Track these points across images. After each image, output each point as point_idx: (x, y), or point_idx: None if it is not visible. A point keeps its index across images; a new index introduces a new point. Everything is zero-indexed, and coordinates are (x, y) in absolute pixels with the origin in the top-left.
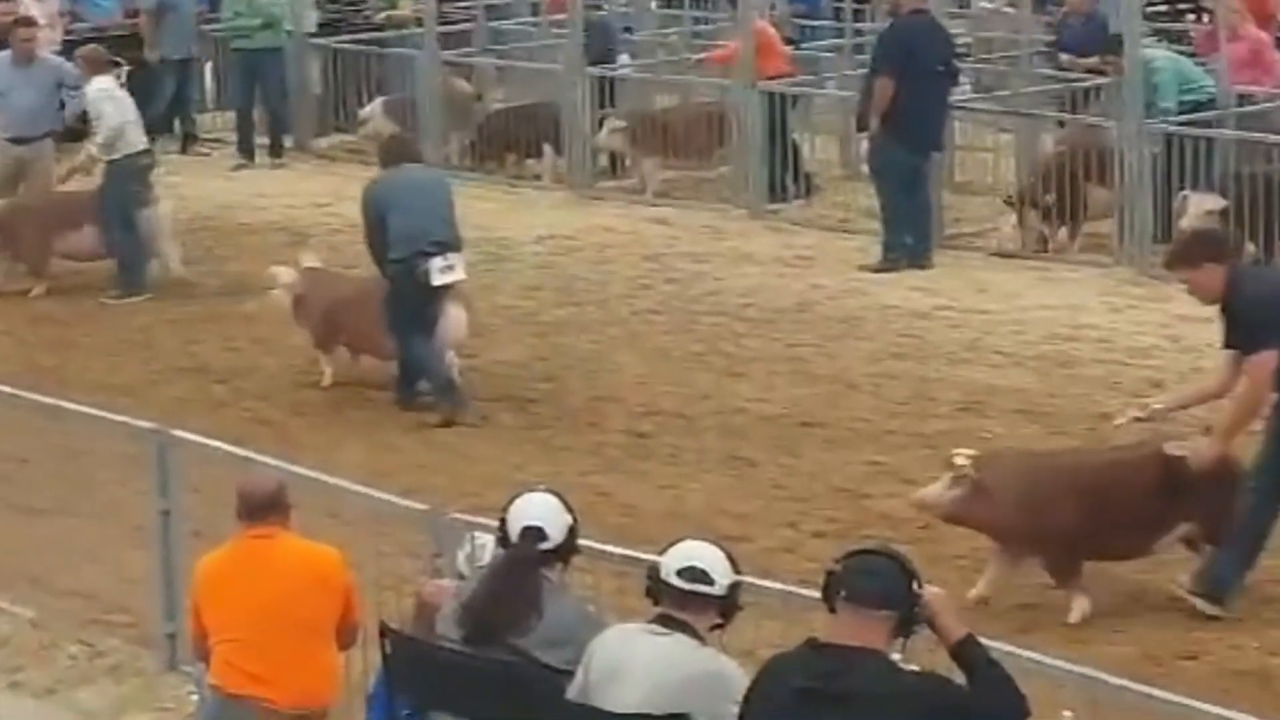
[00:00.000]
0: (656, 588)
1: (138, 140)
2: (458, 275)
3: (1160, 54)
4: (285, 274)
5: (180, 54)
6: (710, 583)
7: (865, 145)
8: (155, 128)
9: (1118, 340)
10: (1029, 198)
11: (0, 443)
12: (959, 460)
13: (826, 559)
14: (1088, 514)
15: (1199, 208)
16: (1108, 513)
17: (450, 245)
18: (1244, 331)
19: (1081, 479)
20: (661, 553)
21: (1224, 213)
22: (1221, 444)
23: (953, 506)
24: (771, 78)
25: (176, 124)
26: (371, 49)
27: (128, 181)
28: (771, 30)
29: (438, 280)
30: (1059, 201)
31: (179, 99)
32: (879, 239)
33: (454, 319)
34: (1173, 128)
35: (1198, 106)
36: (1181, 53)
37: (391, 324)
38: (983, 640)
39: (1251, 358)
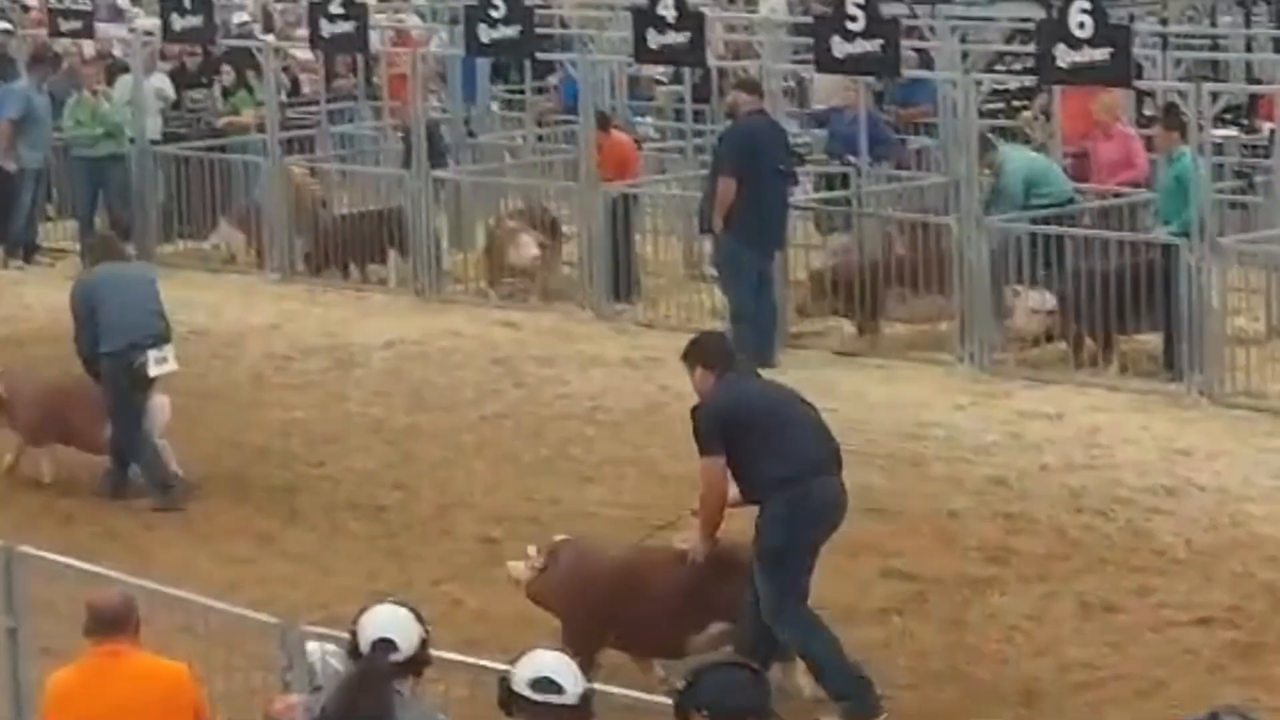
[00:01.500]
0: (508, 699)
1: None
2: (171, 366)
3: (1017, 154)
4: None
5: (38, 164)
6: (561, 692)
7: (708, 245)
8: (19, 240)
9: (962, 438)
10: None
11: None
12: (531, 548)
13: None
14: (617, 606)
15: (1025, 305)
16: (638, 607)
17: (163, 337)
18: (695, 436)
19: (618, 574)
20: (512, 662)
21: (1051, 312)
22: (702, 543)
23: (528, 586)
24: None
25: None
26: (215, 155)
27: None
28: (628, 141)
29: (154, 371)
30: (850, 302)
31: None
32: None
33: (158, 405)
34: (1014, 225)
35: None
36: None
37: (111, 415)
38: None
39: (701, 462)
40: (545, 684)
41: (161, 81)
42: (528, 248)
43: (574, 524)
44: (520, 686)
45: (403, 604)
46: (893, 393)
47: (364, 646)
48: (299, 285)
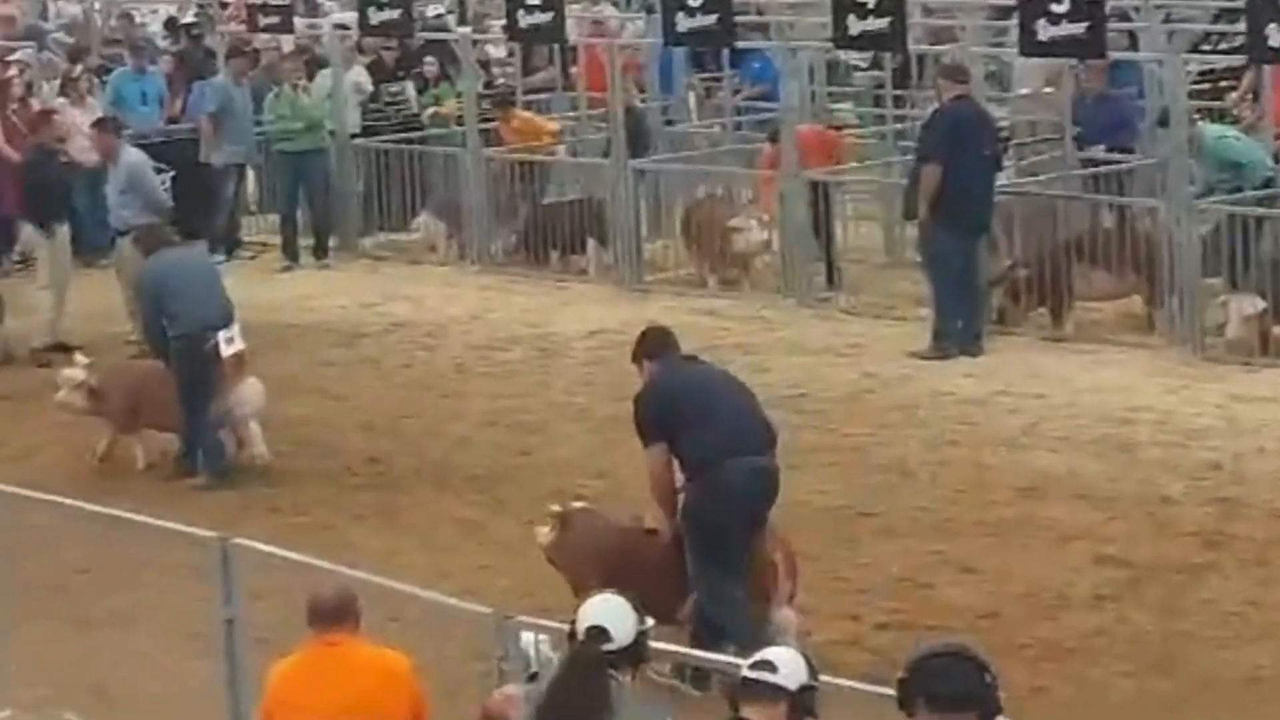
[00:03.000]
0: (733, 691)
1: None
2: (239, 345)
3: (1214, 129)
4: (77, 373)
5: (238, 159)
6: (774, 671)
7: (911, 231)
8: (222, 234)
9: (1174, 422)
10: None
11: (59, 553)
12: (553, 508)
13: (892, 653)
14: (619, 574)
15: (1239, 312)
16: (636, 576)
17: (230, 319)
18: (635, 427)
19: (622, 544)
20: None
21: (1263, 313)
22: (663, 525)
23: (547, 549)
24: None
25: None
26: (414, 148)
27: None
28: (827, 133)
29: (227, 351)
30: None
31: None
32: (928, 325)
33: (252, 388)
34: (1225, 207)
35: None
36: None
37: (183, 398)
38: None
39: (644, 450)
40: (763, 665)
41: (359, 75)
42: (754, 234)
43: (781, 512)
44: (743, 671)
45: (621, 593)
46: (1101, 377)
47: (580, 635)
48: (499, 276)
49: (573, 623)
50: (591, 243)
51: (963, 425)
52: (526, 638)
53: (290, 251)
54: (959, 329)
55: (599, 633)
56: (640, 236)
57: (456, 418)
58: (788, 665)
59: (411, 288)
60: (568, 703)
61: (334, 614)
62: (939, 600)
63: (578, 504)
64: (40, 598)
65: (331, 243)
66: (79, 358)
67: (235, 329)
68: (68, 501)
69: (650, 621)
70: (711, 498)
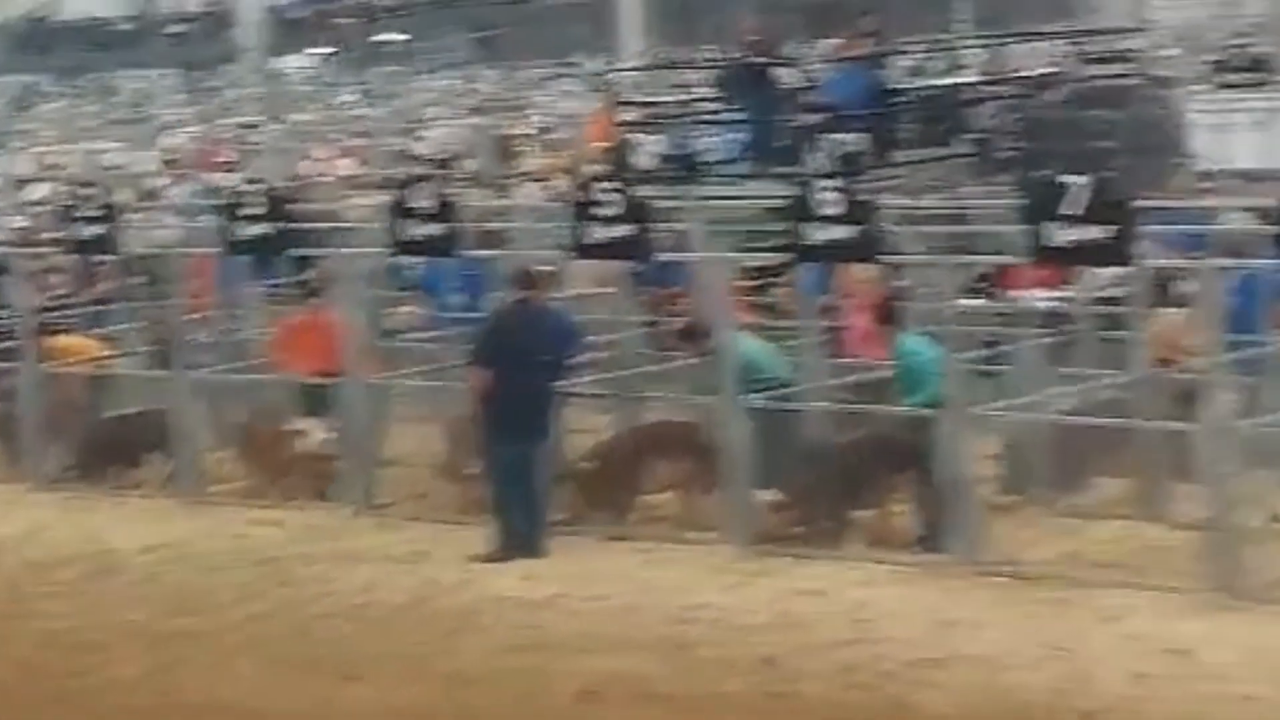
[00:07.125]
0: None
1: None
2: None
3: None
4: None
5: None
6: None
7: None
8: None
9: (730, 619)
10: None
11: None
12: None
13: None
14: None
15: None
16: None
17: None
18: None
19: None
20: None
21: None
22: None
23: None
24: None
25: None
26: None
27: None
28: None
29: None
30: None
31: None
32: (489, 530)
33: None
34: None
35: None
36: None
37: None
38: None
39: None
40: None
41: None
42: (314, 434)
43: None
44: None
45: None
46: (660, 576)
47: None
48: (55, 494)
49: None
50: (151, 456)
51: (526, 629)
52: None
53: None
54: (520, 531)
55: None
56: (199, 449)
57: (12, 639)
58: None
59: None
60: None
61: None
62: None
63: None
64: None
65: None
66: None
67: None
68: None
69: None
70: None
